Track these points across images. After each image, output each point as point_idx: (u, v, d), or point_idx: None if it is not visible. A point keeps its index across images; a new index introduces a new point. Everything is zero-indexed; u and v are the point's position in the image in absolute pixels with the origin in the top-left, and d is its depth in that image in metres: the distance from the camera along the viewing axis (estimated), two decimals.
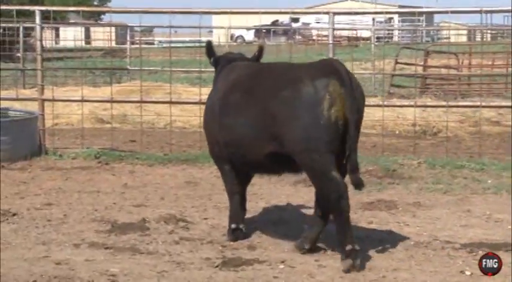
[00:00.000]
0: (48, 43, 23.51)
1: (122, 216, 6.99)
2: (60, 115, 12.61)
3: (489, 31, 30.95)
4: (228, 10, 10.45)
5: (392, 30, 40.96)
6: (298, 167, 5.70)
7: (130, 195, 7.94)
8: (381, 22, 45.22)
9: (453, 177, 8.80)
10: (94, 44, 31.03)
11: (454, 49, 20.51)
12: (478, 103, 11.23)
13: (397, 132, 12.68)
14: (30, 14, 13.49)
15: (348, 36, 38.85)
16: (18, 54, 21.64)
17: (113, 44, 31.21)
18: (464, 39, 35.35)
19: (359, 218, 6.93)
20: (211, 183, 8.49)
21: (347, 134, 5.47)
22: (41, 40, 10.46)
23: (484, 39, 30.98)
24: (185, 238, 6.27)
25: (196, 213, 7.16)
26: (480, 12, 10.04)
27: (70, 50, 30.87)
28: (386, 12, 22.30)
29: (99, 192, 8.09)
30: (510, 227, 6.62)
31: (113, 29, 30.57)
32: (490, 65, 19.17)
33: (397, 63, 18.69)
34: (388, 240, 6.21)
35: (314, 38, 42.30)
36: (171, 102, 10.96)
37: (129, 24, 23.12)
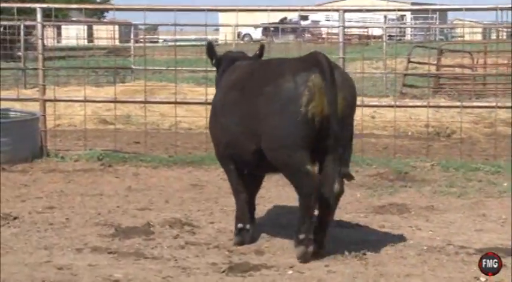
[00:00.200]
0: (50, 42, 23.51)
1: (126, 220, 7.00)
2: (62, 116, 12.66)
3: (505, 29, 30.84)
4: (235, 7, 10.47)
5: (404, 28, 40.90)
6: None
7: (134, 199, 7.96)
8: (392, 20, 45.25)
9: (468, 180, 8.79)
10: (97, 42, 31.12)
11: (469, 48, 20.47)
12: (494, 104, 11.22)
13: (409, 133, 12.67)
14: (31, 12, 13.58)
15: (358, 35, 38.82)
16: (19, 53, 21.72)
17: (117, 42, 31.26)
18: (479, 37, 35.26)
19: (370, 221, 6.94)
20: (217, 186, 8.50)
21: (328, 129, 5.54)
22: (42, 39, 10.49)
23: (500, 38, 30.92)
24: (191, 243, 6.28)
25: (203, 217, 7.18)
26: (496, 9, 10.03)
27: (72, 48, 30.86)
28: (399, 10, 22.43)
29: (102, 195, 8.11)
30: None
31: (116, 27, 30.66)
32: (506, 64, 19.11)
33: (409, 62, 18.68)
34: (400, 245, 6.21)
35: (324, 36, 42.26)
36: (176, 103, 10.98)
37: (133, 22, 23.24)
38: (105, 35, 28.64)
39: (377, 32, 39.19)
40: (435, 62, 18.86)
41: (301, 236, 5.71)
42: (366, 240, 6.26)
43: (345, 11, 10.06)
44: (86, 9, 12.90)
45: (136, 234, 6.48)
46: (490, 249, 6.02)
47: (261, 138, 5.74)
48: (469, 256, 5.93)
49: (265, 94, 5.71)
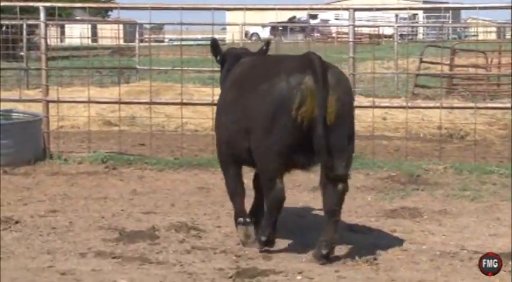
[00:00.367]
0: (53, 41, 23.54)
1: (130, 224, 7.00)
2: (65, 117, 12.67)
3: None
4: (243, 6, 10.48)
5: (416, 27, 40.84)
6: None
7: (139, 202, 7.96)
8: (404, 18, 45.20)
9: (481, 184, 8.78)
10: (101, 42, 31.13)
11: (483, 47, 20.45)
12: (508, 105, 11.18)
13: (421, 135, 12.65)
14: (34, 11, 13.56)
15: (369, 34, 38.76)
16: (22, 53, 21.75)
17: (121, 42, 31.28)
18: (493, 36, 35.20)
19: (381, 226, 6.93)
20: (224, 189, 8.43)
21: (315, 132, 5.61)
22: (45, 38, 10.52)
23: None
24: (197, 247, 6.28)
25: (209, 220, 7.18)
26: (510, 7, 10.00)
27: (76, 48, 30.92)
28: (410, 8, 22.45)
29: (107, 198, 8.12)
30: None
31: (121, 26, 30.64)
32: None
33: (421, 62, 18.66)
34: (412, 250, 6.20)
35: (333, 35, 42.27)
36: (182, 104, 10.98)
37: (138, 21, 23.22)
38: (110, 34, 28.62)
39: (388, 31, 39.18)
40: (448, 62, 18.82)
41: (263, 238, 6.03)
42: (377, 245, 6.25)
43: (355, 9, 10.06)
44: (90, 8, 12.89)
45: (141, 239, 6.48)
46: (504, 254, 6.00)
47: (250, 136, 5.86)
48: None
49: (259, 92, 5.80)
